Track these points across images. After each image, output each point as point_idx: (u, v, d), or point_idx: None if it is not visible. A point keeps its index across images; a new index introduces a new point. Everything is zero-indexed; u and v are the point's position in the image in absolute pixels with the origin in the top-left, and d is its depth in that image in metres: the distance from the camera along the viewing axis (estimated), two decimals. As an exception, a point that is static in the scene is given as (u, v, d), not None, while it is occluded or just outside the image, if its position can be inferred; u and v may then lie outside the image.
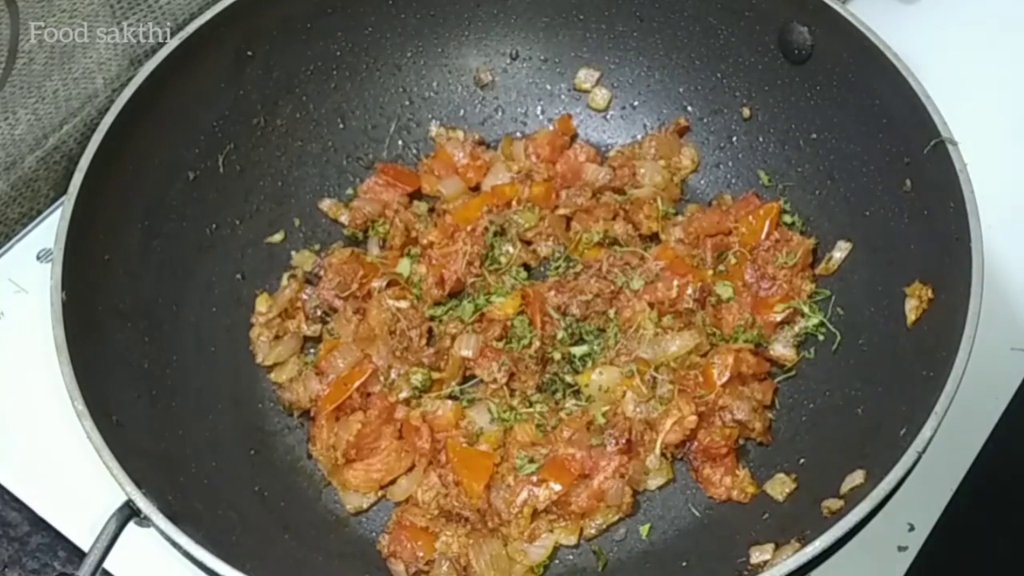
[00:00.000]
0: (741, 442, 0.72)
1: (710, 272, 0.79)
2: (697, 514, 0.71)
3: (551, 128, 0.89)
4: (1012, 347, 0.76)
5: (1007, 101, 0.92)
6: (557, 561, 0.70)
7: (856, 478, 0.61)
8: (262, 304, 0.80)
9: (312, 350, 0.80)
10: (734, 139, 0.85)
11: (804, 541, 0.56)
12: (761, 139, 0.84)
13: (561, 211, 0.83)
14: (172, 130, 0.77)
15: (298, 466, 0.75)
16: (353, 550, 0.71)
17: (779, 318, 0.77)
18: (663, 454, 0.71)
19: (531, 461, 0.71)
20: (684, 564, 0.67)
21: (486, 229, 0.81)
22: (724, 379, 0.73)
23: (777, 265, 0.78)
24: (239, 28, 0.80)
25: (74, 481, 0.71)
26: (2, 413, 0.76)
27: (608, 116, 0.90)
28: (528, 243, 0.82)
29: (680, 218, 0.83)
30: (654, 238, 0.82)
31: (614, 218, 0.82)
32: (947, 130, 0.67)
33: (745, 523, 0.68)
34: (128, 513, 0.59)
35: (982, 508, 0.70)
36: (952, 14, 0.99)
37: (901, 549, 0.67)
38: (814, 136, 0.80)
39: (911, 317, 0.68)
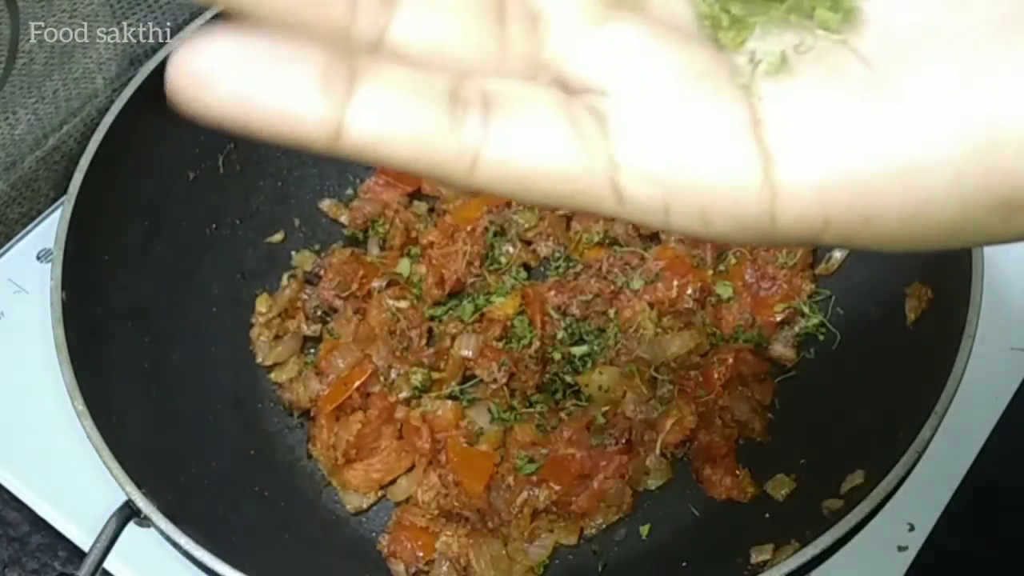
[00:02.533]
0: (741, 442, 0.72)
1: (710, 272, 0.79)
2: (697, 514, 0.71)
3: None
4: (1012, 347, 0.76)
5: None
6: (557, 561, 0.70)
7: (856, 478, 0.61)
8: (262, 304, 0.80)
9: (312, 350, 0.80)
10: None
11: (804, 541, 0.56)
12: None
13: (561, 211, 0.83)
14: (172, 130, 0.77)
15: (298, 466, 0.75)
16: (353, 550, 0.71)
17: (779, 318, 0.77)
18: (663, 454, 0.71)
19: (531, 461, 0.71)
20: (684, 564, 0.67)
21: (486, 229, 0.81)
22: (724, 379, 0.73)
23: (777, 265, 0.78)
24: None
25: (74, 481, 0.71)
26: (2, 413, 0.76)
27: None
28: (528, 243, 0.82)
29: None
30: (654, 238, 0.82)
31: (614, 218, 0.82)
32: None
33: (745, 523, 0.68)
34: (128, 513, 0.59)
35: (982, 508, 0.69)
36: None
37: (901, 549, 0.67)
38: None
39: (911, 317, 0.68)
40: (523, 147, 0.24)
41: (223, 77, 0.22)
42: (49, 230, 0.80)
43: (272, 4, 0.23)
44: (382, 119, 0.23)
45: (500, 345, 0.75)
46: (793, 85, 0.25)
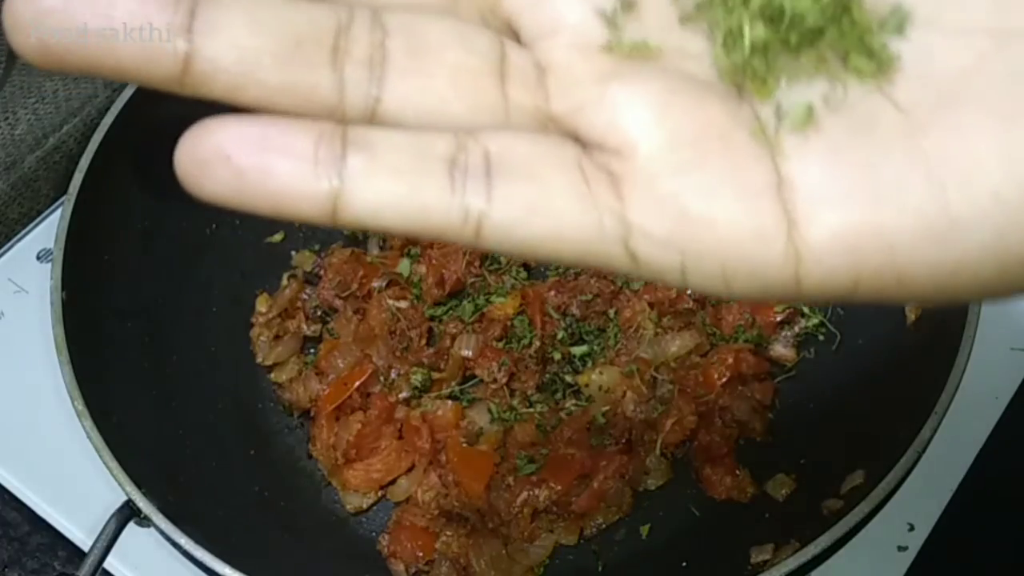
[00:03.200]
0: (741, 442, 0.72)
1: (710, 272, 0.78)
2: (697, 514, 0.71)
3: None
4: (1012, 347, 0.76)
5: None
6: (557, 561, 0.70)
7: (856, 478, 0.61)
8: (262, 304, 0.80)
9: (312, 350, 0.80)
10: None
11: (804, 541, 0.56)
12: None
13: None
14: (172, 130, 0.77)
15: (298, 466, 0.75)
16: (353, 550, 0.71)
17: (779, 318, 0.77)
18: (663, 454, 0.72)
19: (531, 461, 0.71)
20: (684, 564, 0.67)
21: (486, 229, 0.81)
22: (724, 379, 0.73)
23: (777, 265, 0.78)
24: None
25: (74, 481, 0.71)
26: (2, 413, 0.76)
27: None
28: (528, 243, 0.82)
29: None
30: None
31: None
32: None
33: (745, 523, 0.68)
34: (128, 513, 0.59)
35: (982, 508, 0.69)
36: None
37: (901, 549, 0.67)
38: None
39: (911, 317, 0.68)
40: (528, 211, 0.23)
41: (220, 164, 0.23)
42: (49, 230, 0.80)
43: (255, 95, 0.23)
44: (377, 193, 0.23)
45: (500, 345, 0.75)
46: (821, 139, 0.24)
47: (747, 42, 0.24)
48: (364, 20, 0.24)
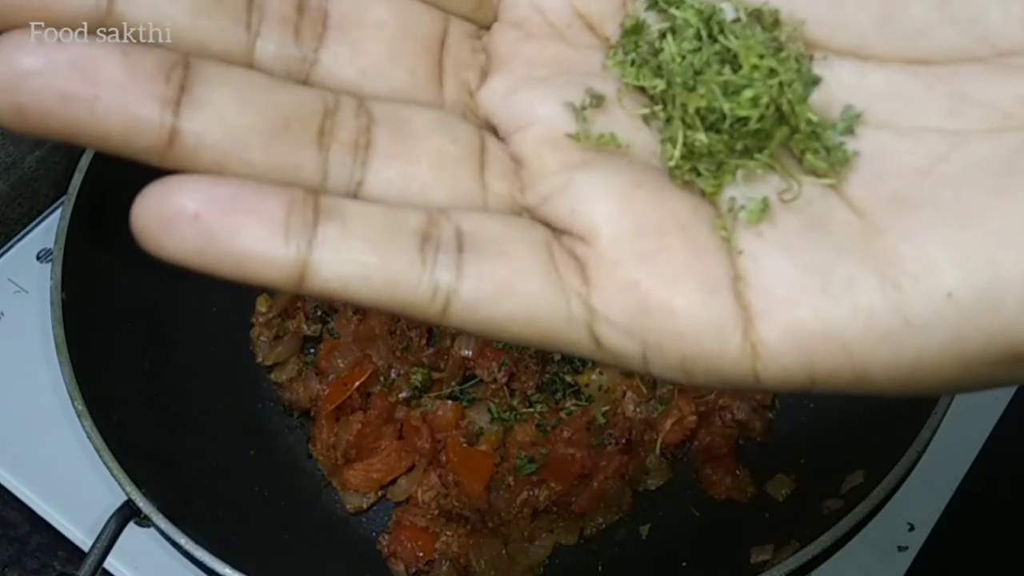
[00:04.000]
0: (741, 442, 0.72)
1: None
2: (697, 514, 0.71)
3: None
4: (1012, 347, 0.76)
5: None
6: (557, 561, 0.70)
7: (856, 478, 0.61)
8: (262, 304, 0.80)
9: (312, 350, 0.80)
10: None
11: (804, 541, 0.56)
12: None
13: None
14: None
15: (298, 466, 0.75)
16: (353, 550, 0.71)
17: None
18: (663, 454, 0.72)
19: (531, 461, 0.71)
20: (684, 564, 0.67)
21: (486, 229, 0.81)
22: (724, 379, 0.73)
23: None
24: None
25: (74, 481, 0.71)
26: (2, 413, 0.76)
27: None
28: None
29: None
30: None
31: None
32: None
33: (745, 523, 0.68)
34: (128, 513, 0.59)
35: (982, 508, 0.69)
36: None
37: (901, 549, 0.67)
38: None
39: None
40: (498, 291, 0.23)
41: (186, 223, 0.22)
42: (49, 230, 0.80)
43: (239, 173, 0.23)
44: (347, 263, 0.22)
45: (500, 345, 0.75)
46: (774, 237, 0.24)
47: (677, 151, 0.25)
48: (350, 106, 0.24)
